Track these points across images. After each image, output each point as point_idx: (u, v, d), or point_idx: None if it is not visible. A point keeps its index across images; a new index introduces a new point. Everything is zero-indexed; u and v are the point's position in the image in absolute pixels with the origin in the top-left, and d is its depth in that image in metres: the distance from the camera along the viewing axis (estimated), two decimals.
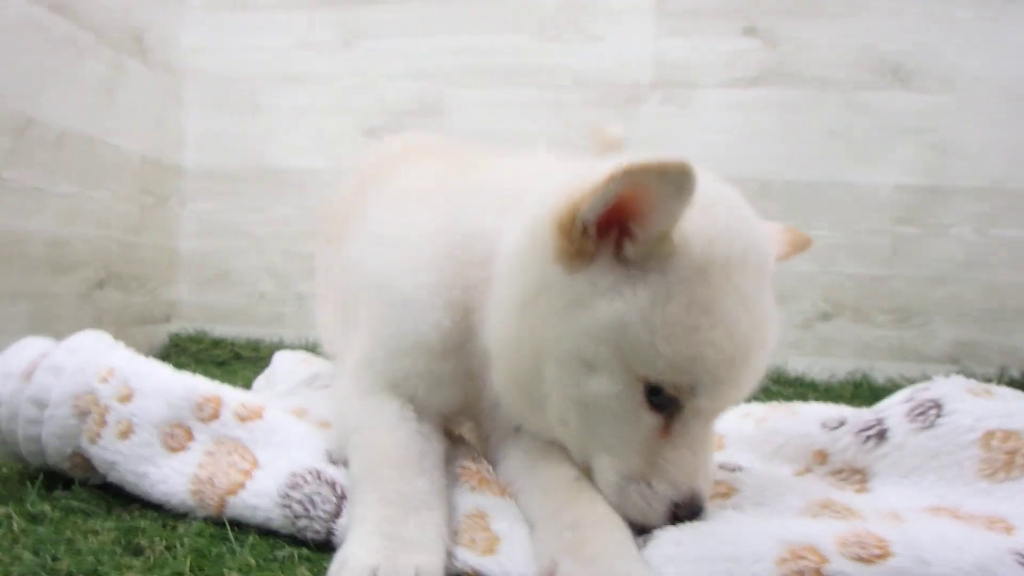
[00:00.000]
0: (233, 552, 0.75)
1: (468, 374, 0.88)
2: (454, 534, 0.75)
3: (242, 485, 0.83)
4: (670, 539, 0.71)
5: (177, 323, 2.48)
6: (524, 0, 2.39)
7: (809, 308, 2.24)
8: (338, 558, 0.68)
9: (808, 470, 0.98)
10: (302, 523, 0.79)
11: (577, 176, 0.73)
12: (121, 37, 2.14)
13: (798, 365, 2.17)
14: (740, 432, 1.09)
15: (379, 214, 1.01)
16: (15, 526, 0.78)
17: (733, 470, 0.91)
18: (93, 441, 0.89)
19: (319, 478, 0.82)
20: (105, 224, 2.07)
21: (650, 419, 0.73)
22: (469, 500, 0.81)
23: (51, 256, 1.86)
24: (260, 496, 0.81)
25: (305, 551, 0.77)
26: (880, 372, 2.17)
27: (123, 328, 2.08)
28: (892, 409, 0.94)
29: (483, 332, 0.83)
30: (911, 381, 2.04)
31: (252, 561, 0.73)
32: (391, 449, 0.81)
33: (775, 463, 1.02)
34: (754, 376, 0.74)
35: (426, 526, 0.72)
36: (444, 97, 2.42)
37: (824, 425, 1.00)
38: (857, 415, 0.98)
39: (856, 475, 0.92)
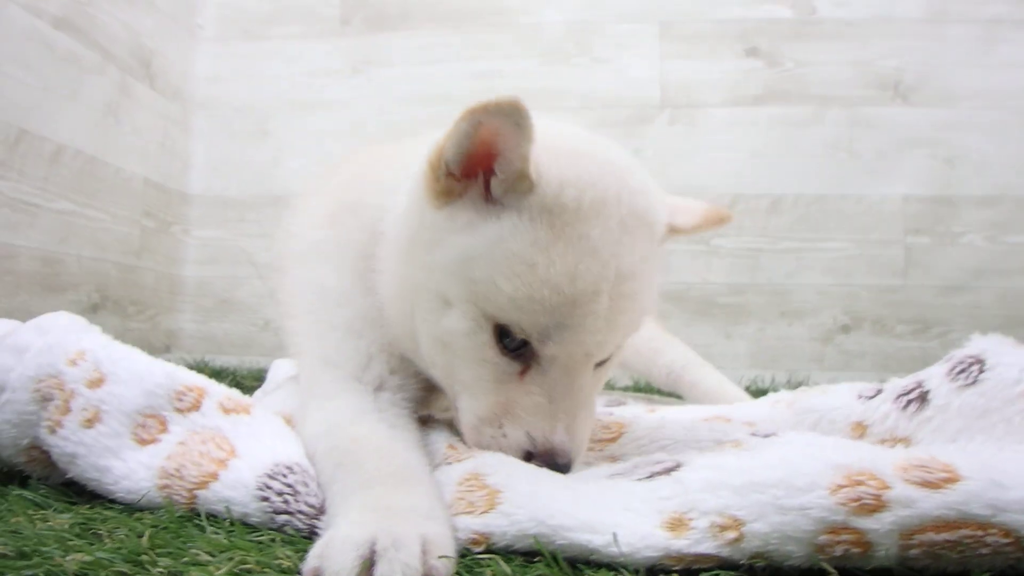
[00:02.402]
0: (203, 529, 0.65)
1: None
2: (448, 507, 0.67)
3: (215, 476, 0.73)
4: (709, 463, 0.65)
5: (177, 353, 2.39)
6: (532, 26, 2.42)
7: (829, 321, 2.25)
8: (320, 540, 0.58)
9: None
10: (282, 519, 0.69)
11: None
12: (128, 60, 2.12)
13: (821, 379, 2.09)
14: (773, 419, 1.03)
15: (289, 236, 1.05)
16: None
17: (767, 436, 0.81)
18: (53, 431, 0.80)
19: (306, 471, 0.73)
20: (102, 245, 2.01)
21: (502, 362, 0.73)
22: (457, 470, 0.72)
23: (42, 274, 1.78)
24: (235, 488, 0.71)
25: (287, 536, 0.67)
26: None
27: None
28: (931, 371, 0.89)
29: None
30: None
31: (224, 541, 0.63)
32: (362, 436, 0.75)
33: None
34: (604, 326, 0.72)
35: (421, 496, 0.64)
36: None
37: (860, 395, 0.95)
38: (894, 382, 0.93)
39: (899, 444, 0.86)
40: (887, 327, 2.22)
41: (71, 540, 0.64)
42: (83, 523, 0.70)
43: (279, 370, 1.40)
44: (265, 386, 1.38)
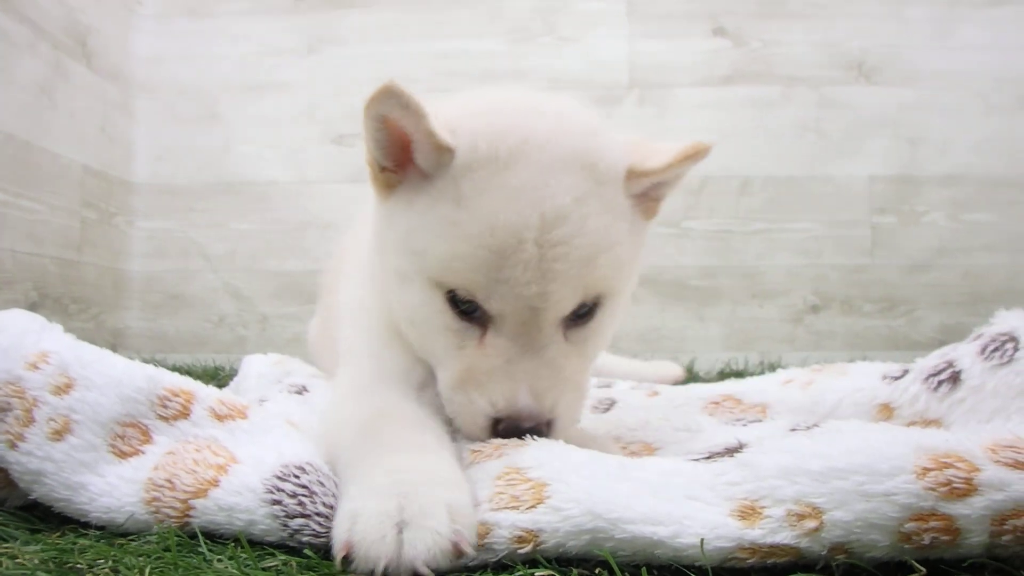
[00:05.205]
0: (208, 562, 0.55)
1: None
2: (488, 502, 0.60)
3: (214, 483, 0.63)
4: (781, 447, 0.60)
5: (124, 353, 2.22)
6: (496, 4, 2.33)
7: (799, 302, 2.26)
8: (344, 515, 0.56)
9: None
10: (297, 523, 0.60)
11: None
12: (62, 37, 1.95)
13: (793, 360, 2.12)
14: (785, 401, 0.98)
15: (349, 264, 1.04)
16: None
17: (810, 428, 0.73)
18: (14, 445, 0.69)
19: (320, 471, 0.64)
20: (39, 239, 1.84)
21: (459, 326, 0.73)
22: (493, 466, 0.65)
23: None
24: (240, 493, 0.62)
25: (303, 559, 0.58)
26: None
27: None
28: (960, 349, 0.85)
29: None
30: None
31: (236, 571, 0.54)
32: (389, 410, 0.73)
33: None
34: (538, 275, 0.69)
35: (442, 463, 0.63)
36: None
37: (885, 376, 0.91)
38: (921, 362, 0.89)
39: (930, 427, 0.82)
40: (855, 306, 2.25)
41: None
42: (56, 556, 0.59)
43: (253, 367, 1.28)
44: (239, 385, 1.27)
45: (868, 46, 2.26)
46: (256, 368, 1.25)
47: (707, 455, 0.63)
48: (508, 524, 0.57)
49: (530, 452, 0.65)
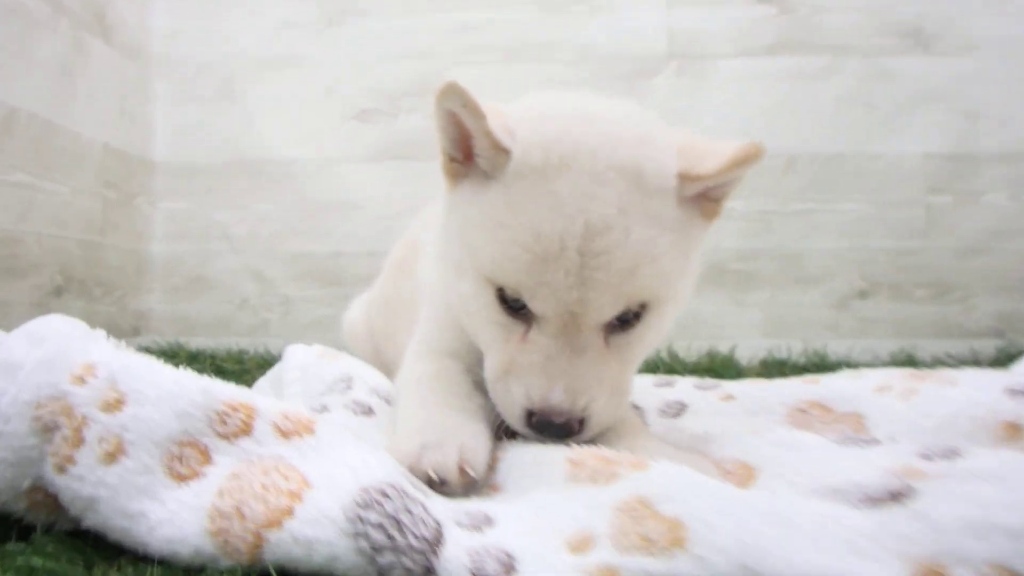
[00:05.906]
0: None
1: None
2: (610, 539, 0.53)
3: (289, 512, 0.57)
4: (961, 493, 0.52)
5: (148, 336, 2.19)
6: None
7: (845, 287, 2.14)
8: (390, 444, 0.72)
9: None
10: (386, 559, 0.53)
11: None
12: (81, 13, 1.87)
13: (838, 348, 2.04)
14: (886, 411, 0.89)
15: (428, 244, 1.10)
16: None
17: (948, 457, 0.64)
18: (63, 468, 0.62)
19: (405, 494, 0.57)
20: (63, 222, 1.79)
21: (507, 322, 0.77)
22: (612, 493, 0.57)
23: (0, 256, 1.57)
24: (318, 524, 0.55)
25: None
26: (924, 351, 2.05)
27: None
28: None
29: None
30: (957, 359, 1.93)
31: None
32: (442, 374, 0.86)
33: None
34: (578, 282, 0.72)
35: (466, 421, 0.76)
36: (441, 78, 2.20)
37: (1011, 391, 0.81)
38: None
39: None
40: (905, 292, 2.12)
41: None
42: None
43: (296, 360, 1.20)
44: (278, 379, 1.19)
45: (924, 12, 2.10)
46: (299, 360, 1.17)
47: (866, 499, 0.55)
48: (638, 570, 0.50)
49: (655, 479, 0.57)
